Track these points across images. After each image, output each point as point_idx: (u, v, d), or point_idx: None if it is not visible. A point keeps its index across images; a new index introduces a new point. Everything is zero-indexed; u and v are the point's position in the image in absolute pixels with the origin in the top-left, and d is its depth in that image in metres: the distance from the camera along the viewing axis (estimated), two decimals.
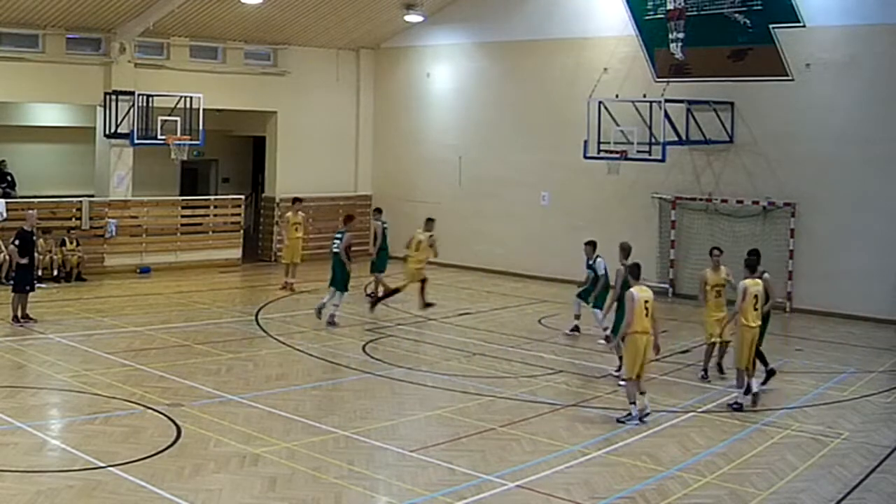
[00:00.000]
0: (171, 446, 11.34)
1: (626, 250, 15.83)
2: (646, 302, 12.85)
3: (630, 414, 12.89)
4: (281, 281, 23.05)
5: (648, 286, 13.38)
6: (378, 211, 22.28)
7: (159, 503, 9.71)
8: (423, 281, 20.22)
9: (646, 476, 10.89)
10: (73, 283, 22.74)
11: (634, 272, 13.50)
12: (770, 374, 14.77)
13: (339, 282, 18.71)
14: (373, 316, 19.74)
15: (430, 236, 20.39)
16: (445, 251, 27.07)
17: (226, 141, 30.32)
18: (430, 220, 20.63)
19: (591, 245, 17.76)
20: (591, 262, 17.65)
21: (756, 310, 13.67)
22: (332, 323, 18.60)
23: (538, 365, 16.14)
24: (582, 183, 24.26)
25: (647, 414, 12.98)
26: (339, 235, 19.03)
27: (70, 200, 24.36)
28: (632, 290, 13.03)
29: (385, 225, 21.59)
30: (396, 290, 20.44)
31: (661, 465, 11.29)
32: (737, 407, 13.58)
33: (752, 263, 14.09)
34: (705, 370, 15.27)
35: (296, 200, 23.58)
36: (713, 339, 15.19)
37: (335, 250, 18.78)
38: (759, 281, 13.89)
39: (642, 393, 13.00)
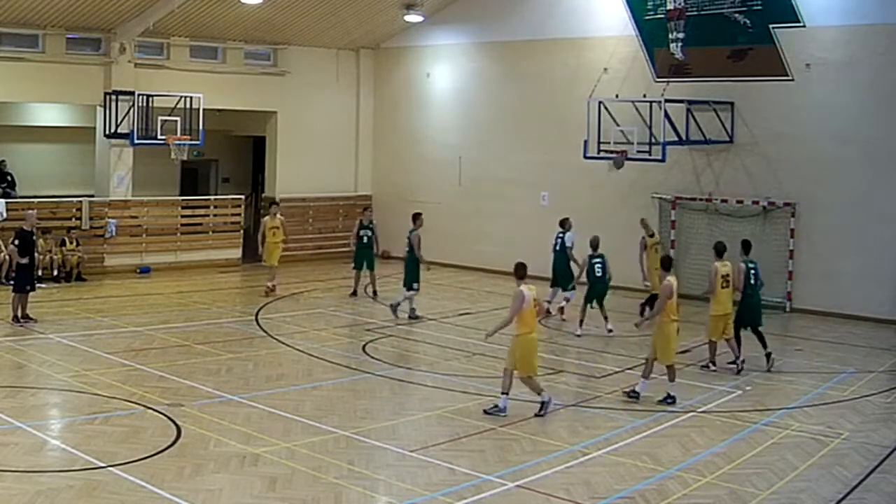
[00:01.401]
0: (171, 446, 11.34)
1: (594, 245, 18.34)
2: (535, 300, 13.12)
3: (497, 406, 13.10)
4: (264, 285, 22.56)
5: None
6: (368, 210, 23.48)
7: (159, 503, 9.71)
8: None
9: (646, 476, 10.89)
10: (73, 283, 22.74)
11: (519, 271, 13.31)
12: (768, 356, 15.89)
13: (406, 280, 19.74)
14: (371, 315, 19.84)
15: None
16: (446, 251, 27.26)
17: (226, 141, 30.34)
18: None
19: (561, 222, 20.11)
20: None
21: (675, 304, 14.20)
22: (414, 317, 19.47)
23: (538, 365, 16.08)
24: (582, 183, 24.25)
25: (547, 407, 13.17)
26: (409, 235, 19.95)
27: (70, 200, 24.37)
28: (521, 289, 12.95)
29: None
30: None
31: (661, 465, 11.28)
32: (634, 395, 13.92)
33: (665, 261, 14.84)
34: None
35: (272, 204, 23.41)
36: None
37: (406, 250, 19.93)
38: (673, 279, 14.20)
39: (540, 391, 13.24)
